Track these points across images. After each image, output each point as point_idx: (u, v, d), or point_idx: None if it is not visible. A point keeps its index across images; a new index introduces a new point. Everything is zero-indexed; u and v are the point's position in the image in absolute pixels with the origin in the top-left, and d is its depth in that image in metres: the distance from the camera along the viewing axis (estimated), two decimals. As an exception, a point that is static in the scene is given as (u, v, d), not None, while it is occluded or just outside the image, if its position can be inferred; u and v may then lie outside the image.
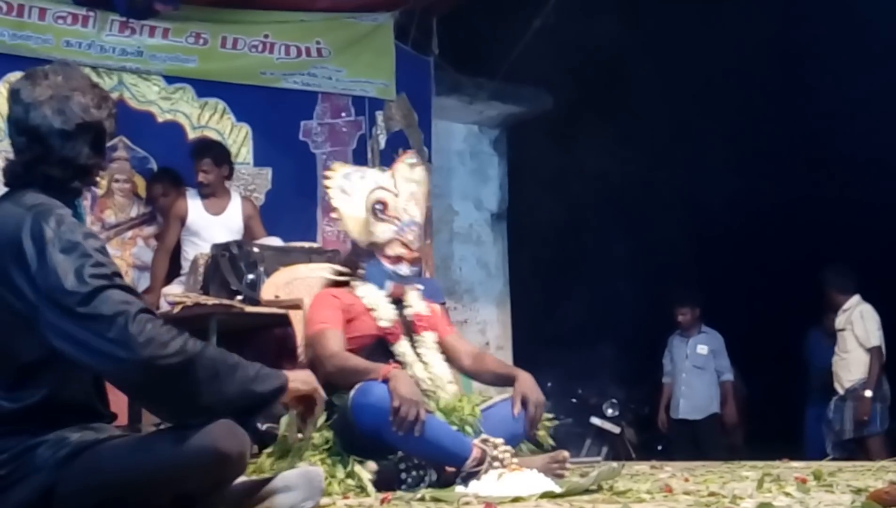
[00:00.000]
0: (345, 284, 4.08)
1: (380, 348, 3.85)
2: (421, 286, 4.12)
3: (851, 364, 7.16)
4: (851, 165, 9.33)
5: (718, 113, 8.94)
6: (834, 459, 5.46)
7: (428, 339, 3.95)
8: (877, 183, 9.45)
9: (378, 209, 3.90)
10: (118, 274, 2.30)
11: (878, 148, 8.80)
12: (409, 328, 3.94)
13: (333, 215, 4.09)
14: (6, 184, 2.46)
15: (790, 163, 9.70)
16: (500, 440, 3.57)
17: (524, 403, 3.77)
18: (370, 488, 3.38)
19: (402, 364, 3.79)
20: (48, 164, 2.39)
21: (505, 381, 4.01)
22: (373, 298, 3.91)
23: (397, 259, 3.93)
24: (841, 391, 7.21)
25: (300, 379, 2.44)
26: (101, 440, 2.31)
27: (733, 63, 8.74)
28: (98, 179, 2.55)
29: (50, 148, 2.38)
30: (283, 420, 2.69)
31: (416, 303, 4.02)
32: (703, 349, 8.17)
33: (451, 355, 4.06)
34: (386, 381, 3.51)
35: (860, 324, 7.12)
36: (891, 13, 7.49)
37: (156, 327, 2.20)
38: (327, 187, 4.05)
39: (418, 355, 3.90)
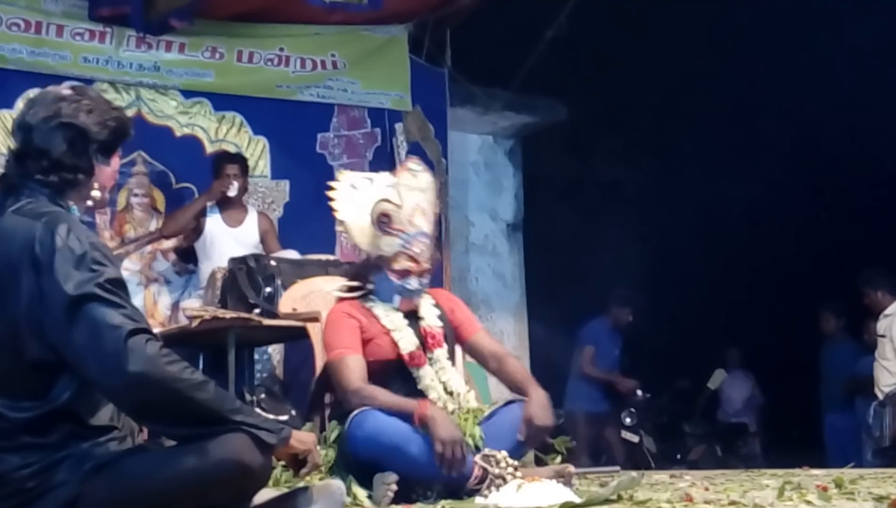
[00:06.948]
0: (357, 296, 3.92)
1: (398, 370, 3.74)
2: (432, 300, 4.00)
3: (891, 370, 6.78)
4: (873, 174, 9.25)
5: (735, 121, 8.92)
6: (876, 466, 5.31)
7: (440, 356, 3.82)
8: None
9: (383, 222, 3.77)
10: (118, 281, 2.34)
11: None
12: (423, 344, 3.81)
13: (339, 227, 4.01)
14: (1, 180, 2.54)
15: (809, 173, 9.63)
16: (502, 454, 3.50)
17: (528, 425, 3.64)
18: (367, 503, 3.35)
19: (424, 391, 3.70)
20: (30, 157, 2.47)
21: (519, 392, 3.92)
22: (392, 318, 3.79)
23: (405, 273, 3.78)
24: (881, 396, 6.83)
25: (300, 439, 2.47)
26: (125, 454, 2.33)
27: (751, 70, 8.71)
28: (89, 186, 2.54)
29: (30, 141, 2.47)
30: None
31: (429, 315, 3.89)
32: None
33: (476, 355, 3.98)
34: (423, 424, 3.43)
35: None
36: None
37: (153, 347, 2.25)
38: (332, 199, 3.91)
39: (438, 376, 3.79)
